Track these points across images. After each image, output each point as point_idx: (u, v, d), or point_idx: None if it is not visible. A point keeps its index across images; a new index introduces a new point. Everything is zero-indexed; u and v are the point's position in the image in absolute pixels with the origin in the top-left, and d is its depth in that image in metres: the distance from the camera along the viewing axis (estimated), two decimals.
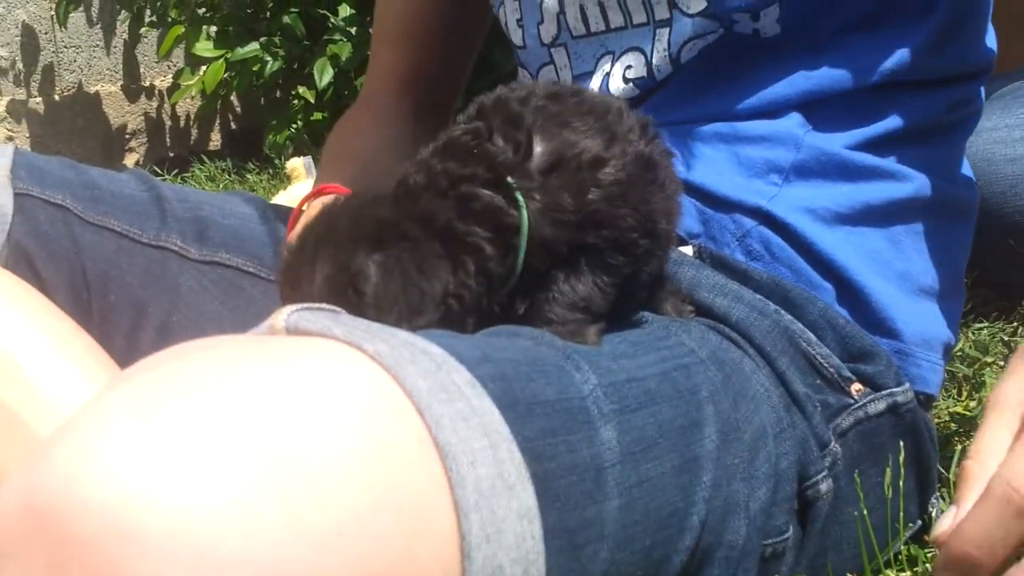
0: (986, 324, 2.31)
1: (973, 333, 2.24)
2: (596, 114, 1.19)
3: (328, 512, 0.78)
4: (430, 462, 0.85)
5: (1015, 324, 2.31)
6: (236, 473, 0.76)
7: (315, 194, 1.59)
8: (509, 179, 1.13)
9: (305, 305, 0.97)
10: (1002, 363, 2.05)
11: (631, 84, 1.49)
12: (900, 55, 1.42)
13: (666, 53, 1.44)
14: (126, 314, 1.55)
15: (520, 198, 1.13)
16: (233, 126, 5.89)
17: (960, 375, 1.98)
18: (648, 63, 1.46)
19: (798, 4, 1.40)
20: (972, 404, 1.89)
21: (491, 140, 1.15)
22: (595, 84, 1.51)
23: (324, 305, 0.99)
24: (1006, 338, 2.19)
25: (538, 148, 1.15)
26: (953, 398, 1.94)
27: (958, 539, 0.97)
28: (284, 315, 0.95)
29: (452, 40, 1.89)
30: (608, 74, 1.50)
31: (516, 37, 1.61)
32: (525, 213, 1.13)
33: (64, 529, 0.74)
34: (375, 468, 0.82)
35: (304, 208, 1.58)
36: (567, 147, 1.15)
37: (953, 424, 1.84)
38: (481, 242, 1.13)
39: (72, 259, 1.52)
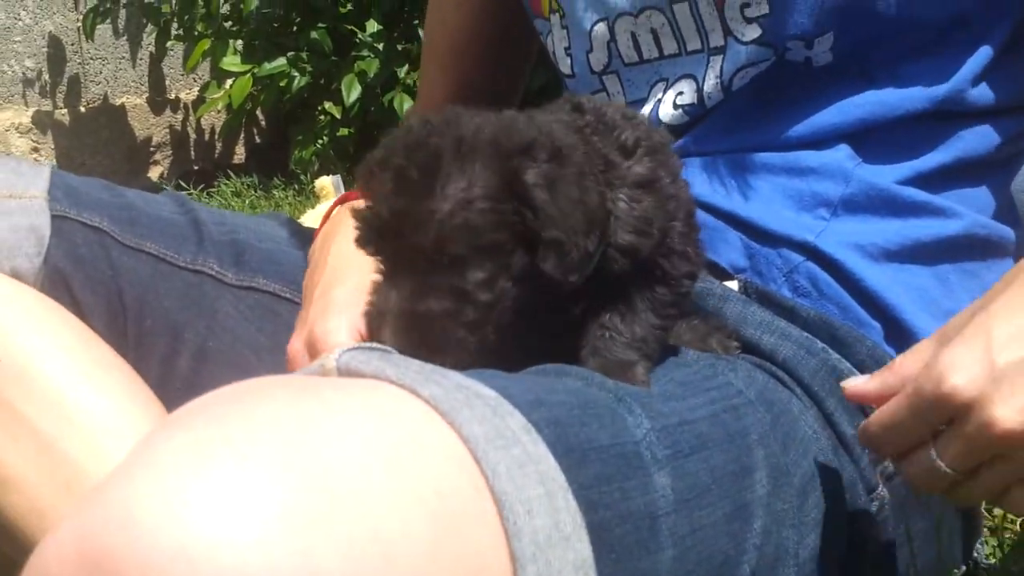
0: None
1: None
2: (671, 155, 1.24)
3: (388, 564, 0.76)
4: (487, 512, 0.84)
5: None
6: (294, 524, 0.75)
7: (341, 200, 1.57)
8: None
9: (356, 345, 0.96)
10: None
11: (681, 110, 1.47)
12: (953, 82, 1.40)
13: (718, 80, 1.43)
14: (162, 339, 1.53)
15: (612, 195, 1.14)
16: (258, 140, 5.89)
17: None
18: (699, 90, 1.44)
19: (853, 32, 1.38)
20: None
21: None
22: (646, 111, 1.50)
23: (374, 344, 0.97)
24: None
25: (638, 165, 1.17)
26: None
27: (873, 417, 1.11)
28: (335, 355, 0.94)
29: (500, 57, 1.88)
30: (660, 100, 1.48)
31: (564, 66, 1.59)
32: (614, 212, 1.14)
33: None
34: (434, 519, 0.80)
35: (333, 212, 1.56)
36: (660, 175, 1.18)
37: None
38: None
39: (109, 283, 1.51)
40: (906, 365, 1.10)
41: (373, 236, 1.13)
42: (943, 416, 1.04)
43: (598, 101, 1.24)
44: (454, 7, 1.85)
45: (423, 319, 1.10)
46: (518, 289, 1.12)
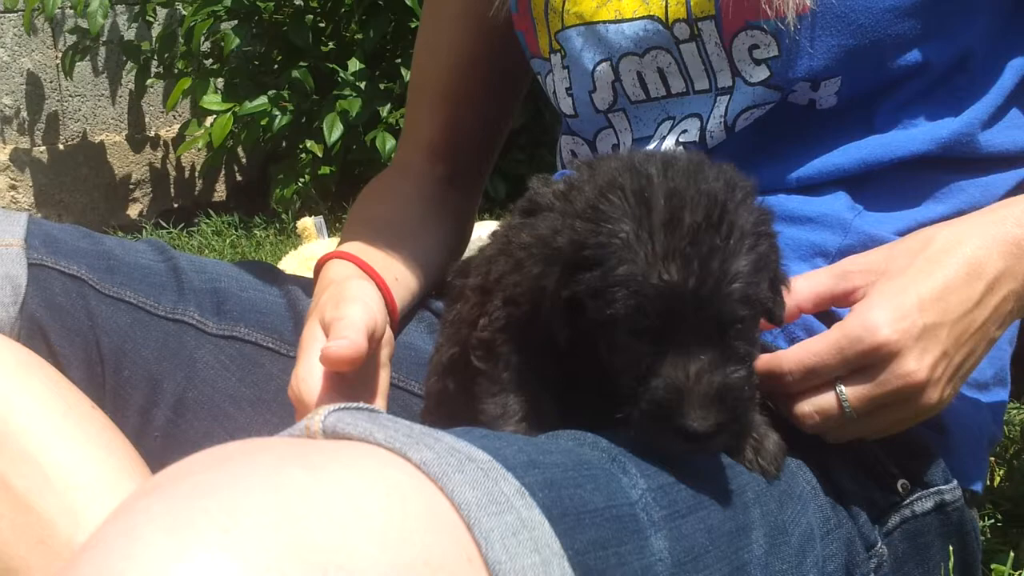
0: (1016, 405, 2.26)
1: (1006, 414, 2.19)
2: None
3: None
4: None
5: None
6: None
7: (328, 258, 1.54)
8: None
9: (342, 406, 0.92)
10: None
11: (682, 148, 1.45)
12: (959, 125, 1.38)
13: (721, 120, 1.40)
14: (140, 389, 1.50)
15: None
16: (239, 178, 5.86)
17: (993, 460, 1.93)
18: (703, 128, 1.42)
19: (859, 78, 1.36)
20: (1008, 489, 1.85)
21: None
22: (651, 148, 1.47)
23: (361, 404, 0.94)
24: None
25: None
26: (986, 484, 1.89)
27: (789, 355, 1.20)
28: (320, 416, 0.90)
29: (492, 96, 1.84)
30: (664, 138, 1.46)
31: (565, 106, 1.57)
32: None
33: None
34: None
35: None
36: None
37: (988, 513, 1.79)
38: None
39: (87, 332, 1.47)
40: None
41: (657, 307, 1.03)
42: (864, 363, 1.17)
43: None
44: (446, 47, 1.81)
45: (730, 393, 1.04)
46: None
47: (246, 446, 0.85)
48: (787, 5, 1.33)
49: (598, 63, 1.49)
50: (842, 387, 1.18)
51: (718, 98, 1.41)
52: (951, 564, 1.27)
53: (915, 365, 1.16)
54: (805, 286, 1.25)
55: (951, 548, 1.30)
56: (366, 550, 0.75)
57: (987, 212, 1.28)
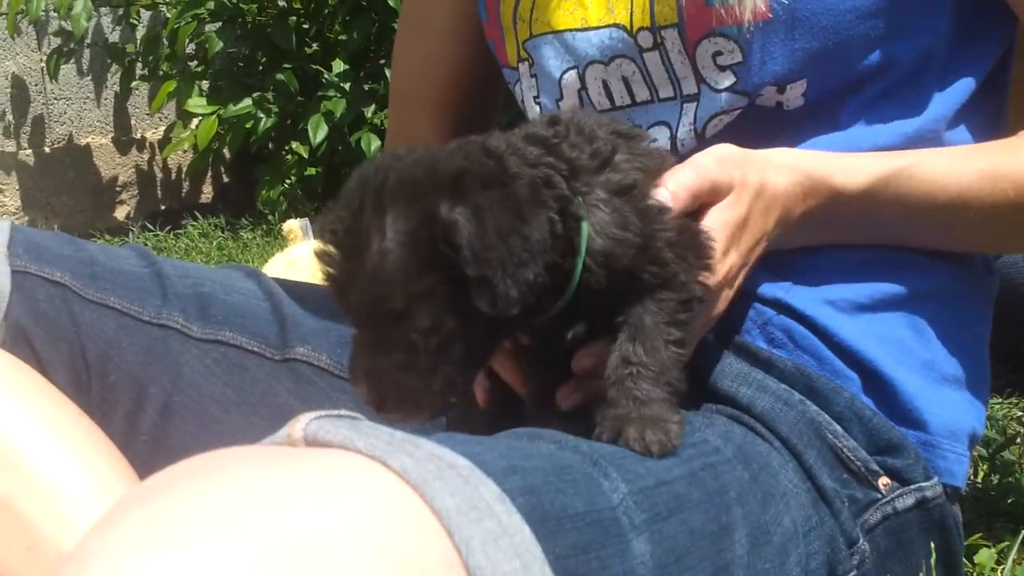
0: (1000, 400, 2.27)
1: (987, 409, 2.20)
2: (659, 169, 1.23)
3: None
4: None
5: None
6: None
7: None
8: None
9: (322, 413, 0.92)
10: (1019, 442, 2.01)
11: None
12: (921, 123, 1.40)
13: (691, 127, 1.41)
14: (126, 395, 1.50)
15: (582, 202, 1.13)
16: (225, 179, 5.85)
17: (976, 455, 1.94)
18: (673, 137, 1.43)
19: (825, 79, 1.37)
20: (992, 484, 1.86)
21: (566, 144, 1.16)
22: None
23: (343, 411, 0.94)
24: (1020, 414, 2.16)
25: (613, 173, 1.16)
26: (968, 479, 1.89)
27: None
28: (302, 424, 0.91)
29: (479, 110, 1.86)
30: None
31: (533, 114, 1.57)
32: (587, 220, 1.12)
33: None
34: None
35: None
36: (638, 182, 1.17)
37: (971, 508, 1.80)
38: (551, 223, 1.10)
39: (71, 339, 1.47)
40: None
41: (334, 295, 1.13)
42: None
43: (584, 115, 1.24)
44: (438, 59, 1.81)
45: (380, 376, 1.11)
46: (470, 325, 1.10)
47: (224, 455, 0.85)
48: (744, 11, 1.34)
49: (565, 71, 1.50)
50: None
51: (684, 105, 1.42)
52: (933, 560, 1.28)
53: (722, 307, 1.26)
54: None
55: (933, 544, 1.31)
56: (346, 559, 0.76)
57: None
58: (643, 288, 1.16)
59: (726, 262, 1.23)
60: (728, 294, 1.27)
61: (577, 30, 1.47)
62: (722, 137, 1.40)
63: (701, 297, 1.19)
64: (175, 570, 0.72)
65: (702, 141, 1.41)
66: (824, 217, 1.32)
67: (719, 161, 1.25)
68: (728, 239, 1.23)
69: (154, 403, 1.50)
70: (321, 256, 1.12)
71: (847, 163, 1.32)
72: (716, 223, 1.22)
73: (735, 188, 1.24)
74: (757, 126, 1.40)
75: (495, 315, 1.07)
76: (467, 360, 1.14)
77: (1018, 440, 2.02)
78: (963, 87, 1.42)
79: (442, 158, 1.11)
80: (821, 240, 1.35)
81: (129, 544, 0.74)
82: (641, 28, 1.42)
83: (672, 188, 1.19)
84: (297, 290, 1.62)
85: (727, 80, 1.38)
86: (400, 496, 0.82)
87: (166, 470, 0.84)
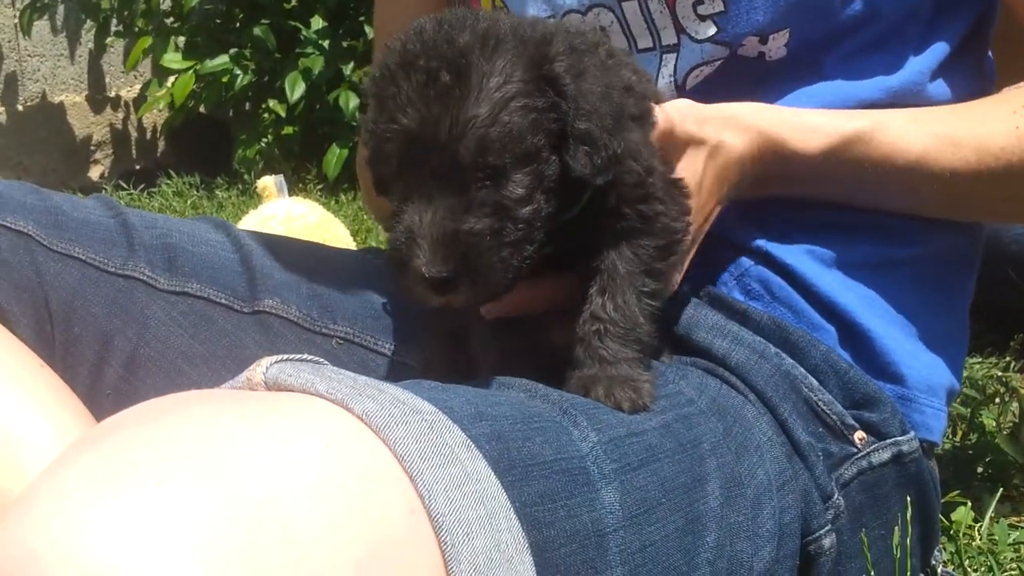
0: (979, 359, 2.26)
1: (967, 369, 2.19)
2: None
3: None
4: (423, 535, 0.79)
5: (1008, 359, 2.27)
6: (208, 549, 0.69)
7: None
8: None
9: (284, 357, 0.90)
10: (997, 401, 2.00)
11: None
12: (907, 74, 1.37)
13: (671, 79, 1.38)
14: (91, 347, 1.46)
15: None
16: (201, 139, 5.79)
17: (955, 414, 1.93)
18: None
19: (809, 28, 1.34)
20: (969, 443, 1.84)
21: None
22: None
23: (305, 356, 0.92)
24: (999, 374, 2.14)
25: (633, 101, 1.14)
26: (947, 438, 1.88)
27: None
28: (262, 368, 0.88)
29: None
30: None
31: None
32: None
33: None
34: (364, 543, 0.75)
35: None
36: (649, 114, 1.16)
37: (949, 466, 1.79)
38: None
39: (35, 289, 1.44)
40: None
41: (397, 151, 1.03)
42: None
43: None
44: (417, 13, 1.77)
45: (465, 240, 1.01)
46: (549, 206, 1.06)
47: (181, 398, 0.83)
48: None
49: None
50: None
51: (664, 56, 1.39)
52: (909, 514, 1.26)
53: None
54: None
55: (909, 499, 1.29)
56: (303, 501, 0.74)
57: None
58: (621, 231, 1.13)
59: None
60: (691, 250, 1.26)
61: None
62: (703, 88, 1.38)
63: (681, 239, 1.16)
64: (125, 511, 0.69)
65: (682, 93, 1.39)
66: (779, 175, 1.30)
67: (680, 113, 1.23)
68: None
69: (119, 355, 1.47)
70: (386, 98, 1.03)
71: (808, 122, 1.30)
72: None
73: (691, 145, 1.23)
74: (738, 77, 1.37)
75: (585, 179, 1.04)
76: (534, 245, 1.07)
77: (996, 400, 2.01)
78: (947, 40, 1.40)
79: (531, 20, 1.09)
80: (777, 195, 1.34)
81: (78, 485, 0.71)
82: None
83: None
84: (267, 242, 1.59)
85: (708, 30, 1.36)
86: (362, 440, 0.80)
87: (120, 413, 0.81)
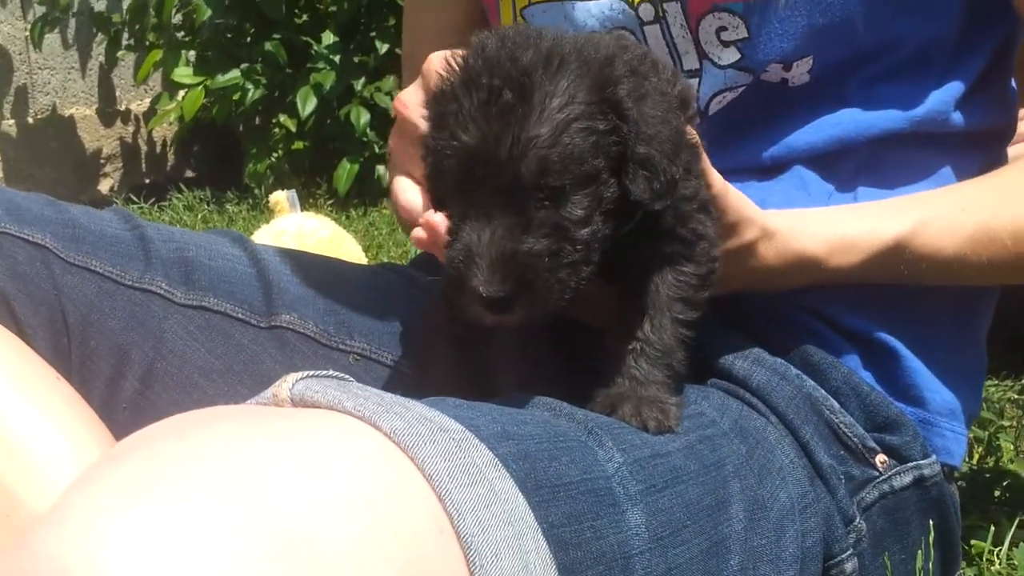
0: (995, 382, 2.25)
1: (983, 391, 2.18)
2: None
3: None
4: (451, 554, 0.78)
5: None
6: (238, 566, 0.69)
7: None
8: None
9: (310, 373, 0.89)
10: (1014, 424, 2.00)
11: None
12: (930, 104, 1.37)
13: (695, 105, 1.38)
14: (107, 360, 1.46)
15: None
16: (212, 153, 5.79)
17: (971, 437, 1.92)
18: None
19: (832, 56, 1.34)
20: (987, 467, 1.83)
21: None
22: None
23: (331, 372, 0.91)
24: (1015, 396, 2.14)
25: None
26: (964, 461, 1.87)
27: None
28: (289, 384, 0.88)
29: None
30: None
31: None
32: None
33: None
34: (394, 563, 0.74)
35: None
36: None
37: (967, 489, 1.78)
38: None
39: (52, 302, 1.43)
40: None
41: (456, 168, 1.03)
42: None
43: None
44: (447, 28, 1.76)
45: (523, 261, 1.00)
46: (606, 228, 1.06)
47: (207, 414, 0.82)
48: None
49: None
50: None
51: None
52: (931, 538, 1.26)
53: None
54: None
55: (931, 523, 1.29)
56: (332, 518, 0.73)
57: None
58: (667, 256, 1.13)
59: None
60: None
61: (577, 0, 1.44)
62: (726, 114, 1.38)
63: (716, 268, 1.16)
64: (153, 527, 0.69)
65: (705, 118, 1.38)
66: (810, 281, 1.31)
67: (740, 197, 1.23)
68: None
69: (135, 369, 1.47)
70: (446, 115, 1.04)
71: (847, 236, 1.29)
72: None
73: (732, 233, 1.23)
74: (761, 103, 1.37)
75: (644, 203, 1.05)
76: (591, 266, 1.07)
77: (1013, 423, 2.00)
78: (975, 66, 1.39)
79: (594, 39, 1.09)
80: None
81: (107, 501, 0.71)
82: (643, 0, 1.38)
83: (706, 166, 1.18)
84: (284, 256, 1.58)
85: (731, 56, 1.35)
86: (390, 458, 0.80)
87: (146, 428, 0.81)
